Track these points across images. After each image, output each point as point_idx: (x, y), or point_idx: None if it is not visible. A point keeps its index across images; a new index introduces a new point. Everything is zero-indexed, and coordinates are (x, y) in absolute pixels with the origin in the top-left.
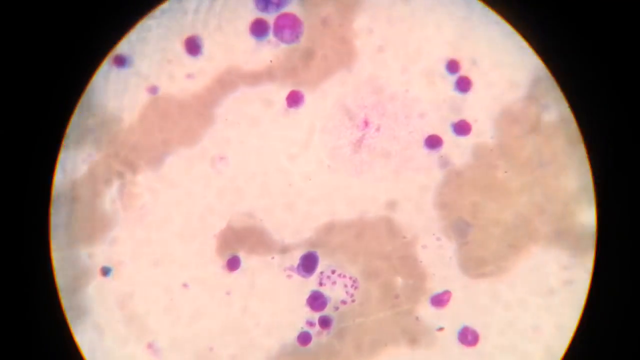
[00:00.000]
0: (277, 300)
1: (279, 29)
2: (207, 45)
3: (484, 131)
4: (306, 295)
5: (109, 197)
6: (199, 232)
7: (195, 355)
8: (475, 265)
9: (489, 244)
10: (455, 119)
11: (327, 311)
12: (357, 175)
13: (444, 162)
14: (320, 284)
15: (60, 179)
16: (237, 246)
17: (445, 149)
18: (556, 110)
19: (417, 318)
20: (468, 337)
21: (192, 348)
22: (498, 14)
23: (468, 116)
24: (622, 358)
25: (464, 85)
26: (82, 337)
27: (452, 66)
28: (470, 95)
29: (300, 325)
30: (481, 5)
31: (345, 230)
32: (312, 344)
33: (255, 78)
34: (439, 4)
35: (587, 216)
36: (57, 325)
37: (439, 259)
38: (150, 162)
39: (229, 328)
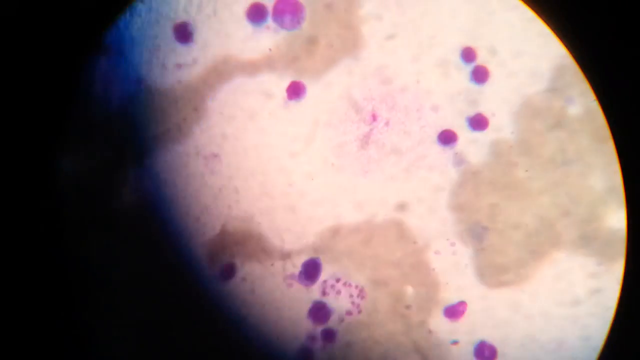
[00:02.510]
0: (276, 312)
1: (278, 14)
2: (200, 32)
3: (502, 126)
4: (308, 306)
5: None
6: (192, 236)
7: None
8: (493, 273)
9: (509, 249)
10: (472, 112)
11: (331, 323)
12: (364, 175)
13: (459, 160)
14: (324, 293)
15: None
16: (233, 252)
17: (460, 145)
18: (582, 104)
19: (429, 331)
20: (485, 352)
21: None
22: None
23: (485, 110)
24: None
25: (481, 75)
26: None
27: (468, 55)
28: (488, 86)
29: (301, 339)
30: None
31: (351, 234)
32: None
33: (253, 68)
34: None
35: (616, 219)
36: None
37: (453, 266)
38: (139, 160)
39: (223, 341)
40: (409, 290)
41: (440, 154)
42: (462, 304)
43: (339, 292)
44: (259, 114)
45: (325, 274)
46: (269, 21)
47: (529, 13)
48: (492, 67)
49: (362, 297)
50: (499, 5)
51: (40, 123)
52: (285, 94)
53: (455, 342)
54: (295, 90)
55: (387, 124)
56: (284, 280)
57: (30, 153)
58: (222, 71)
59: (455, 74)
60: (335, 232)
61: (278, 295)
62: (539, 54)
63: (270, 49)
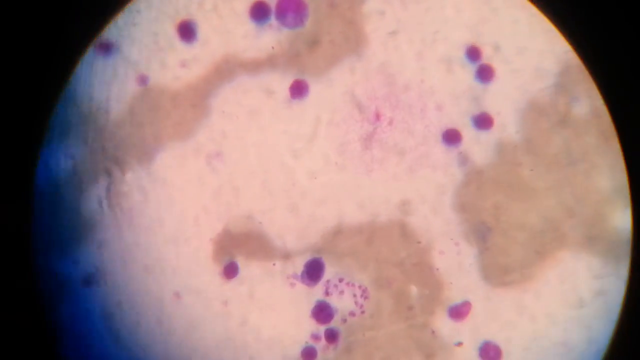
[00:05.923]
0: (279, 312)
1: (281, 12)
2: (202, 30)
3: (507, 125)
4: (311, 306)
5: (95, 197)
6: (193, 235)
7: None
8: (497, 273)
9: (513, 250)
10: (476, 111)
11: (334, 324)
12: (367, 174)
13: (464, 160)
14: (327, 293)
15: (42, 177)
16: (234, 251)
17: (464, 144)
18: (587, 102)
19: (433, 332)
20: (490, 353)
21: None
22: None
23: (490, 108)
24: None
25: (485, 74)
26: (67, 351)
27: (473, 53)
28: (493, 85)
29: (304, 339)
30: None
31: (354, 234)
32: None
33: (256, 66)
34: None
35: (621, 220)
36: (38, 337)
37: (457, 266)
38: (140, 159)
39: (226, 342)
40: (413, 290)
41: (444, 154)
42: (466, 304)
43: (342, 292)
44: (261, 113)
45: (328, 273)
46: (272, 19)
47: (533, 10)
48: (496, 65)
49: (365, 297)
50: (503, 1)
51: (30, 119)
52: (287, 92)
53: (459, 344)
54: (298, 89)
55: (390, 123)
56: (286, 280)
57: (14, 149)
58: (224, 69)
59: (460, 71)
60: (338, 231)
61: (280, 295)
62: (544, 51)
63: (273, 47)
